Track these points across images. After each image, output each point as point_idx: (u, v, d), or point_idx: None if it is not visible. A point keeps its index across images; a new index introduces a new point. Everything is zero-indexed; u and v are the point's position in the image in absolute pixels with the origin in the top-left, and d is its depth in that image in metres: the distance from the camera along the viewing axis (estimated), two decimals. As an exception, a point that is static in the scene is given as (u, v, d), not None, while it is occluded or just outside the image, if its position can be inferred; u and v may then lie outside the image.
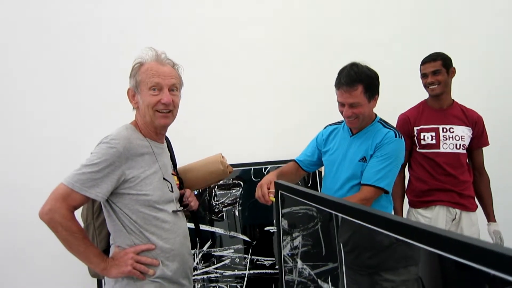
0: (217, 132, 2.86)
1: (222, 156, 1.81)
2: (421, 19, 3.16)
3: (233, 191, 2.79)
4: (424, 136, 2.40)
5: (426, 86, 2.44)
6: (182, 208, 1.63)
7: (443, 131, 2.38)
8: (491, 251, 0.62)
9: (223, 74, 2.99)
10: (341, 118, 2.08)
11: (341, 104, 1.95)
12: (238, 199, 2.79)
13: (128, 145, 1.42)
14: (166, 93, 1.48)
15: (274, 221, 2.75)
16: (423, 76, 2.44)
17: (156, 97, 1.47)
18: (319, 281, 1.31)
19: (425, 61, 2.43)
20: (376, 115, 2.06)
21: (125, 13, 2.92)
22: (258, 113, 3.01)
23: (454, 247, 0.71)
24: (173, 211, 1.54)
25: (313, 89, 3.02)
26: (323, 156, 2.18)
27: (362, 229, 0.97)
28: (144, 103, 1.48)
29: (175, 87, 1.54)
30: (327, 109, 2.85)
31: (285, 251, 1.55)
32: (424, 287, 0.91)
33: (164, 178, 1.53)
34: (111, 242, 1.54)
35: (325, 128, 2.26)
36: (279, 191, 1.57)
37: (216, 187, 2.79)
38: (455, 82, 2.44)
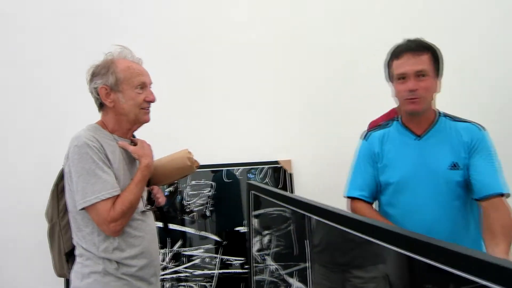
0: (190, 133, 2.85)
1: (189, 152, 1.82)
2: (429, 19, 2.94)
3: (205, 191, 2.81)
4: None
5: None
6: (150, 206, 1.64)
7: None
8: (448, 250, 0.68)
9: (197, 74, 2.98)
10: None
11: (401, 77, 1.55)
12: (209, 199, 2.80)
13: (99, 143, 1.45)
14: (151, 91, 1.58)
15: (245, 222, 2.78)
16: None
17: (142, 95, 1.53)
18: (290, 279, 1.35)
19: None
20: (436, 109, 1.66)
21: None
22: (233, 115, 2.99)
23: (416, 246, 0.77)
24: (142, 211, 1.55)
25: (285, 92, 3.03)
26: (381, 174, 1.66)
27: (334, 230, 1.02)
28: (129, 102, 1.51)
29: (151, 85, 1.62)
30: (297, 112, 2.92)
31: (257, 252, 1.58)
32: (390, 282, 0.97)
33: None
34: (75, 243, 1.52)
35: (365, 138, 1.76)
36: (251, 192, 1.61)
37: (188, 187, 2.80)
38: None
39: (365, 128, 2.36)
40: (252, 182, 1.54)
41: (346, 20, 2.92)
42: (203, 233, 2.77)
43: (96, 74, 1.51)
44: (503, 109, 2.60)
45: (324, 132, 2.89)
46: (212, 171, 2.84)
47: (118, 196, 1.42)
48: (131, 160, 1.58)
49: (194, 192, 2.80)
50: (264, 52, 2.97)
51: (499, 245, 1.38)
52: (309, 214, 1.13)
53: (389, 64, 1.63)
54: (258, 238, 1.59)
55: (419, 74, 1.51)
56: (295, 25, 2.94)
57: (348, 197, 1.73)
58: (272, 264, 1.48)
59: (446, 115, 1.63)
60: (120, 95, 1.50)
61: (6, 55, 2.85)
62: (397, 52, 1.57)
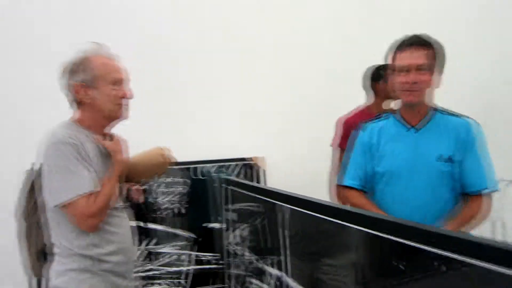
0: (164, 130, 2.85)
1: (162, 148, 1.85)
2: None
3: (179, 189, 2.82)
4: None
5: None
6: (127, 203, 1.66)
7: None
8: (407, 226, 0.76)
9: (170, 73, 2.95)
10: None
11: (402, 69, 1.60)
12: (183, 196, 2.82)
13: (75, 139, 1.44)
14: (127, 88, 1.57)
15: (220, 218, 2.80)
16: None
17: (119, 92, 1.53)
18: (265, 270, 1.41)
19: None
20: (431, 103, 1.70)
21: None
22: (207, 113, 3.01)
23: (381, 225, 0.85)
24: (118, 208, 1.56)
25: (259, 91, 3.07)
26: (378, 164, 1.70)
27: (307, 218, 1.08)
28: (105, 98, 1.50)
29: (129, 81, 1.62)
30: (271, 110, 2.98)
31: (232, 246, 1.63)
32: (357, 268, 1.04)
33: None
34: (53, 240, 1.51)
35: (364, 129, 1.79)
36: (227, 187, 1.66)
37: (163, 184, 2.80)
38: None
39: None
40: (226, 177, 1.59)
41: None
42: (177, 231, 2.79)
43: (71, 71, 1.50)
44: (486, 108, 2.74)
45: (297, 129, 2.96)
46: (186, 169, 2.86)
47: (95, 191, 1.44)
48: (107, 156, 1.58)
49: (168, 190, 2.81)
50: (237, 52, 3.01)
51: (449, 225, 1.51)
52: (283, 204, 1.19)
53: (391, 56, 1.67)
54: (232, 232, 1.63)
55: (420, 68, 1.56)
56: (286, 25, 3.02)
57: (341, 186, 1.79)
58: (247, 257, 1.53)
59: (439, 109, 1.68)
60: (96, 91, 1.50)
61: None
62: (401, 45, 1.62)
